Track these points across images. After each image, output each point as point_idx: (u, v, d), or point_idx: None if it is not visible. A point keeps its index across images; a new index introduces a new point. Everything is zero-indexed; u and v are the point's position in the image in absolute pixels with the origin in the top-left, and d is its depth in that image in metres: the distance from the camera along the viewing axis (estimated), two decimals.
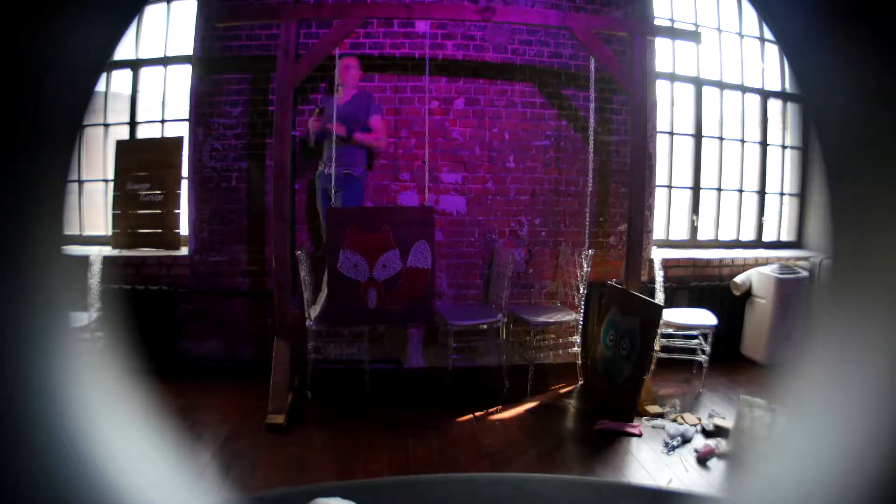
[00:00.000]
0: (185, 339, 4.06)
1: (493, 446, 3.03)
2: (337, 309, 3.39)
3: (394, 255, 3.35)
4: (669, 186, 4.67)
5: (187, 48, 4.09)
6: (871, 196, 0.43)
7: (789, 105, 4.91)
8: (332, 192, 3.62)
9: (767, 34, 4.70)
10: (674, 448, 2.97)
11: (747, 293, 4.29)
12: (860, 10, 0.42)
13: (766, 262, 4.49)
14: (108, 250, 4.09)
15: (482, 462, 2.88)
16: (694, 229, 4.74)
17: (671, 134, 4.64)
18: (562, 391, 3.80)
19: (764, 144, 4.88)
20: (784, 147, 4.95)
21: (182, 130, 4.18)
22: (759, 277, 4.20)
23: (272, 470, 2.72)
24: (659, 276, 3.92)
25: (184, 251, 4.12)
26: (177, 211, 4.12)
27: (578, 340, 3.85)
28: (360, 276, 3.35)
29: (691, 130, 4.69)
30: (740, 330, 4.32)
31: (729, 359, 4.21)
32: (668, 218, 4.69)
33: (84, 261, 3.50)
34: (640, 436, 3.11)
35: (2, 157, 0.41)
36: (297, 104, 3.80)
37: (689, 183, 4.71)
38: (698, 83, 4.66)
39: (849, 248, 0.45)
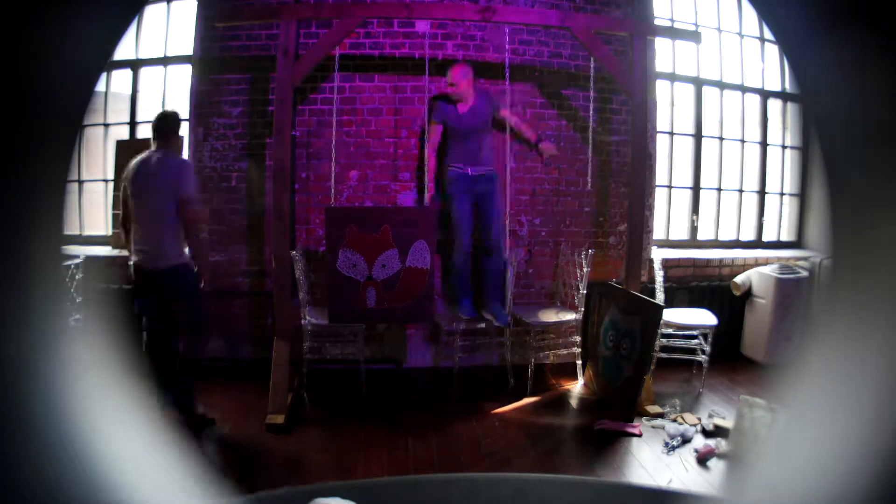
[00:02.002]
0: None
1: (493, 446, 3.03)
2: (336, 308, 3.40)
3: (393, 255, 3.36)
4: (670, 186, 4.67)
5: (187, 48, 4.09)
6: (872, 196, 0.43)
7: (789, 105, 4.91)
8: (476, 193, 3.66)
9: (767, 34, 4.70)
10: (674, 448, 2.97)
11: (747, 293, 4.29)
12: (860, 10, 0.42)
13: (766, 262, 4.49)
14: (108, 250, 4.09)
15: (482, 462, 2.88)
16: (694, 229, 4.74)
17: (671, 134, 4.63)
18: (562, 391, 3.80)
19: (764, 144, 4.87)
20: (784, 147, 4.94)
21: (182, 130, 4.17)
22: (759, 277, 4.19)
23: (272, 470, 2.72)
24: (659, 276, 3.92)
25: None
26: None
27: (578, 340, 3.85)
28: (360, 276, 3.35)
29: (691, 130, 4.69)
30: (740, 330, 4.32)
31: (729, 359, 4.21)
32: (669, 218, 4.69)
33: (83, 261, 3.50)
34: (640, 436, 3.11)
35: (2, 157, 0.41)
36: (296, 104, 3.80)
37: (690, 183, 4.71)
38: (698, 83, 4.66)
39: (849, 247, 0.45)
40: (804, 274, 4.14)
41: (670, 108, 4.61)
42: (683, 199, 4.74)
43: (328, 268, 3.36)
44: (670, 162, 4.65)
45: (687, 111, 4.69)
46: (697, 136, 4.68)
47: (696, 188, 4.69)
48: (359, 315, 3.45)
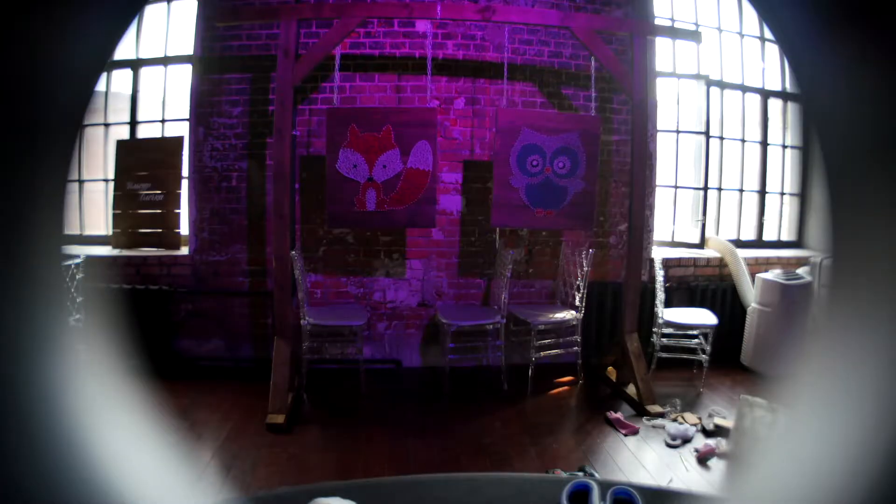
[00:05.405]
0: (185, 338, 4.06)
1: (494, 446, 3.03)
2: (335, 210, 3.35)
3: (394, 155, 3.29)
4: (675, 186, 4.66)
5: (187, 48, 4.09)
6: (872, 197, 0.43)
7: (790, 105, 4.90)
8: None
9: (767, 34, 4.70)
10: (674, 447, 2.97)
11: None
12: (861, 10, 0.42)
13: (767, 261, 4.48)
14: (108, 250, 4.09)
15: (482, 462, 2.88)
16: (702, 228, 4.72)
17: (677, 132, 4.63)
18: (562, 391, 3.80)
19: (764, 144, 4.87)
20: (784, 147, 4.94)
21: (182, 130, 4.18)
22: (763, 284, 4.07)
23: (272, 470, 2.72)
24: (659, 275, 3.92)
25: (184, 251, 4.12)
26: (177, 211, 4.12)
27: (578, 340, 3.85)
28: (360, 177, 3.30)
29: (695, 129, 4.68)
30: (741, 329, 4.28)
31: (729, 358, 4.21)
32: (674, 218, 4.68)
33: (83, 261, 3.50)
34: (626, 435, 3.11)
35: (2, 157, 0.40)
36: (297, 104, 3.80)
37: (693, 183, 4.71)
38: (706, 82, 4.64)
39: (848, 248, 0.45)
40: (809, 279, 4.02)
41: (676, 106, 4.60)
42: (686, 198, 4.73)
43: (328, 169, 3.30)
44: (676, 161, 4.64)
45: (691, 110, 4.68)
46: (707, 135, 4.63)
47: (704, 188, 4.64)
48: (358, 219, 3.39)
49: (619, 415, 3.30)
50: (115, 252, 4.07)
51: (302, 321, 3.50)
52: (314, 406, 3.48)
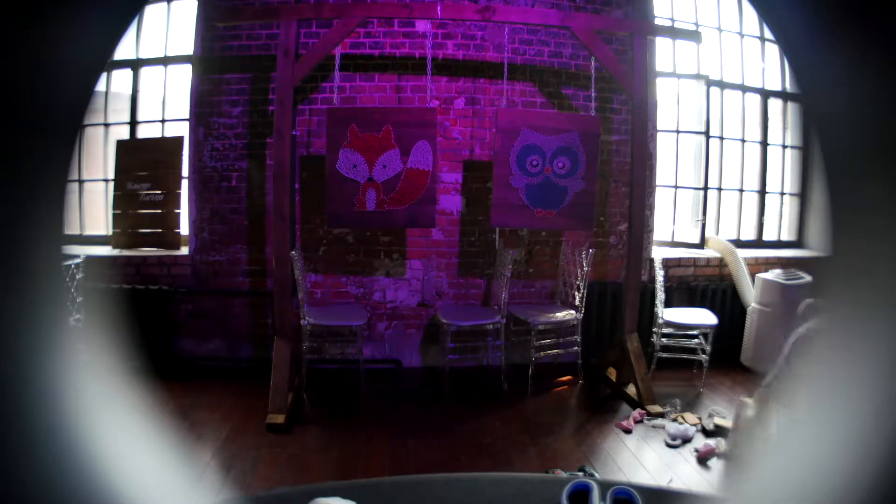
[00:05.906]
0: (185, 338, 4.06)
1: (494, 446, 3.03)
2: (334, 210, 3.36)
3: (394, 155, 3.30)
4: (675, 186, 4.66)
5: (187, 48, 4.09)
6: (872, 197, 0.43)
7: (790, 105, 4.90)
8: None
9: (767, 34, 4.69)
10: (674, 447, 2.97)
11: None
12: (861, 10, 0.42)
13: (767, 261, 4.48)
14: (108, 250, 4.10)
15: (483, 461, 2.88)
16: (702, 228, 4.72)
17: (677, 132, 4.63)
18: (562, 391, 3.80)
19: (764, 144, 4.87)
20: (784, 147, 4.94)
21: (182, 130, 4.18)
22: (763, 284, 4.07)
23: (272, 470, 2.72)
24: (659, 275, 3.91)
25: (184, 251, 4.12)
26: (177, 211, 4.12)
27: (578, 340, 3.85)
28: (360, 177, 3.31)
29: (695, 129, 4.68)
30: (741, 329, 4.28)
31: (729, 358, 4.21)
32: (674, 218, 4.68)
33: (83, 261, 3.50)
34: (632, 430, 3.12)
35: (2, 158, 0.41)
36: (297, 104, 3.80)
37: (693, 183, 4.71)
38: (706, 82, 4.65)
39: (848, 248, 0.45)
40: (808, 278, 4.03)
41: (676, 106, 4.61)
42: (686, 198, 4.73)
43: (328, 169, 3.31)
44: (676, 161, 4.63)
45: (691, 110, 4.68)
46: (707, 135, 4.63)
47: (704, 188, 4.64)
48: (358, 219, 3.40)
49: (628, 422, 3.30)
50: (115, 252, 4.07)
51: (302, 321, 3.50)
52: (314, 406, 3.48)
